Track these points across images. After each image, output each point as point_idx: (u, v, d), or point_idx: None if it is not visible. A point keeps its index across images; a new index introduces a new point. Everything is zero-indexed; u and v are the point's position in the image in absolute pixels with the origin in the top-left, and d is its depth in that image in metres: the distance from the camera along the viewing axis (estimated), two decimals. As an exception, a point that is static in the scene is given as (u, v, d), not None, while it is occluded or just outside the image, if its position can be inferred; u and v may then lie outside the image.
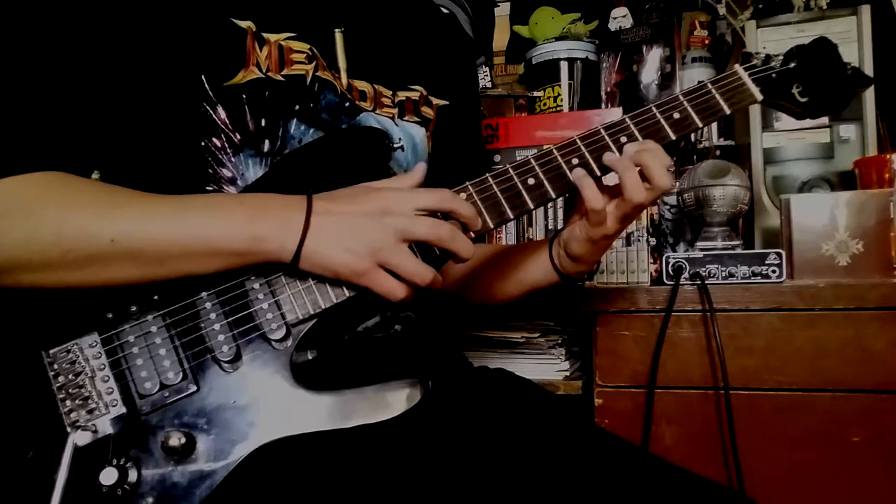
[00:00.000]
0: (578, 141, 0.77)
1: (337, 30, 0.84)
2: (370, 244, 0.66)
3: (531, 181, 0.76)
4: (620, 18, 1.68)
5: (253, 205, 0.67)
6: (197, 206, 0.66)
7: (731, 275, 1.10)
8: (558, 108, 1.58)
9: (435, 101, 0.94)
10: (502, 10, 1.90)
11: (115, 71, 0.71)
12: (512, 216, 0.75)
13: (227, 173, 0.75)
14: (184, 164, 0.75)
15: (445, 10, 1.53)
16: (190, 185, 0.74)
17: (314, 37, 0.80)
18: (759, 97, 0.82)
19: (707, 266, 1.11)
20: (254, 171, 0.75)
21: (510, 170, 0.76)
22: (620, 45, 1.60)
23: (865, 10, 1.32)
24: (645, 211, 1.34)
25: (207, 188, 0.74)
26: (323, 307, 0.69)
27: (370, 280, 0.67)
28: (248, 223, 0.65)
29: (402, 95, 0.89)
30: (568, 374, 1.26)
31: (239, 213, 0.66)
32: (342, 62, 0.84)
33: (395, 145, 0.86)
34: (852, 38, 1.32)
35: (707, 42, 1.62)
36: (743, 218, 1.33)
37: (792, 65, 0.83)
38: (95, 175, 0.76)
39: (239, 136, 0.74)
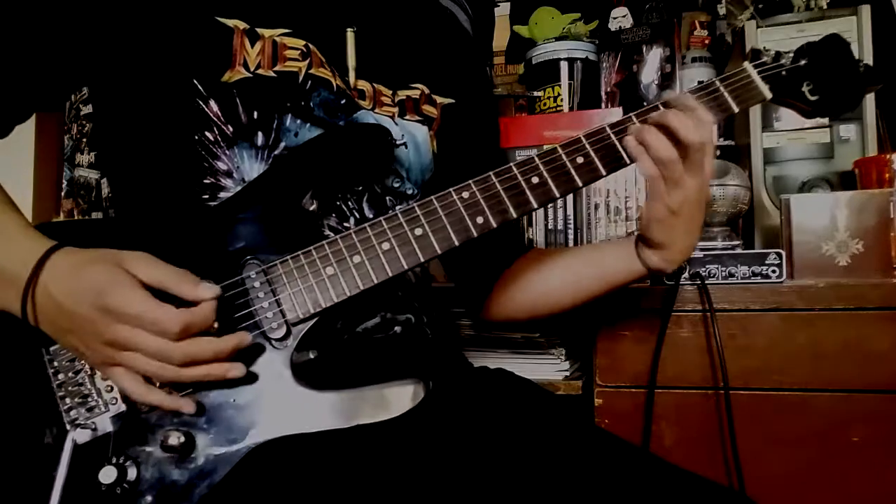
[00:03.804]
0: (584, 139, 0.77)
1: (349, 29, 0.84)
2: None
3: (535, 180, 0.75)
4: (620, 18, 1.68)
5: None
6: None
7: (731, 275, 1.10)
8: (558, 108, 1.58)
9: (439, 99, 0.93)
10: (502, 10, 1.90)
11: (112, 70, 0.73)
12: (515, 215, 0.74)
13: (222, 166, 0.75)
14: (179, 159, 0.75)
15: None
16: (187, 178, 0.75)
17: (313, 34, 0.80)
18: (769, 95, 0.81)
19: (707, 266, 1.11)
20: (249, 164, 0.75)
21: (514, 168, 0.75)
22: (620, 45, 1.60)
23: (865, 10, 1.32)
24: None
25: (205, 181, 0.75)
26: (324, 306, 0.69)
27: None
28: None
29: (402, 94, 0.88)
30: (568, 374, 1.26)
31: None
32: (352, 60, 0.83)
33: (398, 142, 0.85)
34: (852, 38, 1.32)
35: (707, 42, 1.62)
36: (743, 218, 1.33)
37: (802, 62, 0.82)
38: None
39: (231, 129, 0.75)
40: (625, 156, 0.77)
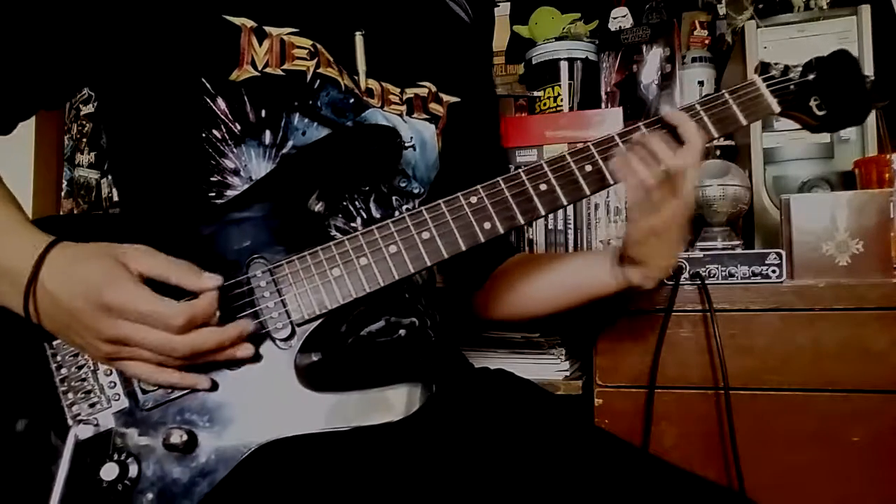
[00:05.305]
0: (592, 147, 0.77)
1: (358, 32, 0.84)
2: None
3: (543, 187, 0.75)
4: (620, 18, 1.68)
5: None
6: None
7: (731, 275, 1.10)
8: (558, 109, 1.58)
9: (446, 97, 0.93)
10: (502, 10, 1.90)
11: (119, 68, 0.73)
12: (523, 221, 0.74)
13: (229, 164, 0.75)
14: (186, 157, 0.75)
15: (446, 10, 1.53)
16: (193, 176, 0.75)
17: (321, 34, 0.80)
18: (777, 109, 0.81)
19: (707, 266, 1.11)
20: (257, 163, 0.75)
21: (522, 174, 0.75)
22: (620, 45, 1.60)
23: (865, 10, 1.32)
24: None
25: (211, 178, 0.75)
26: (329, 307, 0.69)
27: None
28: None
29: (410, 92, 0.88)
30: (568, 374, 1.26)
31: None
32: (362, 65, 0.83)
33: (407, 144, 0.85)
34: (852, 38, 1.32)
35: (707, 42, 1.62)
36: (743, 218, 1.33)
37: (811, 76, 0.82)
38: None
39: (239, 127, 0.75)
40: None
